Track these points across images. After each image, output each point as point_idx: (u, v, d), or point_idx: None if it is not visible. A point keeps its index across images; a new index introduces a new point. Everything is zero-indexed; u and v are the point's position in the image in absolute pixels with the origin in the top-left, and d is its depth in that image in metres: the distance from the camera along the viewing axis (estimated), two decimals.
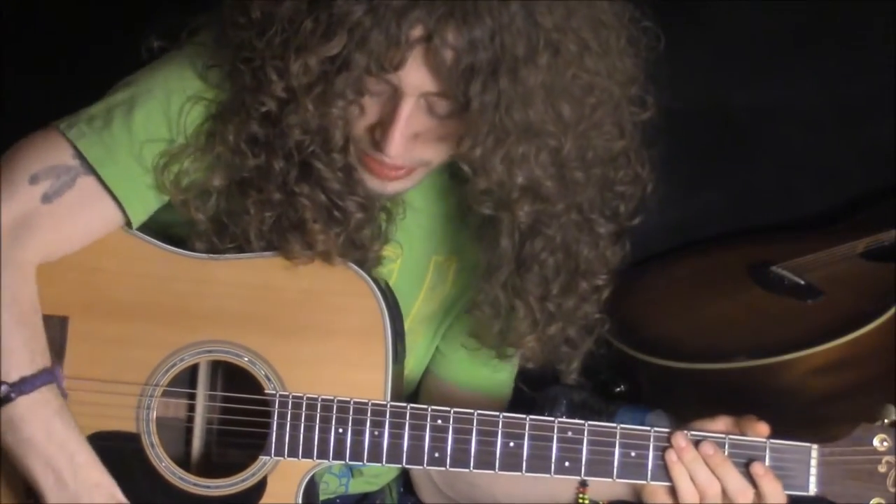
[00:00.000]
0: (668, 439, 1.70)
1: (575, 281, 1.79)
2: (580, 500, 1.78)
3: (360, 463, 1.73)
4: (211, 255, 1.74)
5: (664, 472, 1.70)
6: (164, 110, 1.70)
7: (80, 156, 1.70)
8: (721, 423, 1.73)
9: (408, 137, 1.64)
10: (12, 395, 1.64)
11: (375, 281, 1.74)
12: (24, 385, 1.65)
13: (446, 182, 1.84)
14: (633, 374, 2.61)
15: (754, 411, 2.43)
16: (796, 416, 2.46)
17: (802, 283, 2.63)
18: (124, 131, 1.70)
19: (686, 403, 2.51)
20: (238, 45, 1.66)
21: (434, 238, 1.86)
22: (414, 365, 1.94)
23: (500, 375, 1.97)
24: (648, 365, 2.57)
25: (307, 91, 1.62)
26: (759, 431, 1.71)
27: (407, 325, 1.84)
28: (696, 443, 1.70)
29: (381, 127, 1.64)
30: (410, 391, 1.98)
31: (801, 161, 2.92)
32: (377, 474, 1.99)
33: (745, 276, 2.69)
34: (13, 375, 1.65)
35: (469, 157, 1.64)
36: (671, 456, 1.70)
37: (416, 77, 1.60)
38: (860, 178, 2.93)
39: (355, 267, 1.73)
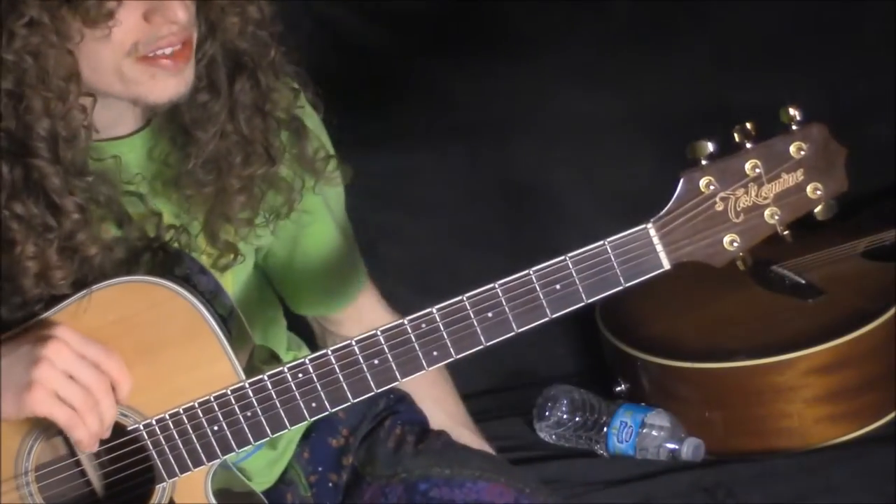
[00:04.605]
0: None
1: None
2: None
3: (251, 447, 1.72)
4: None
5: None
6: None
7: None
8: None
9: None
10: None
11: (174, 277, 1.71)
12: None
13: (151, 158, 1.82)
14: (633, 373, 2.61)
15: (754, 411, 2.46)
16: (796, 415, 2.47)
17: (803, 282, 2.62)
18: None
19: (686, 403, 2.52)
20: None
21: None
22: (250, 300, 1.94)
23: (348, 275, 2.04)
24: (648, 364, 2.56)
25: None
26: None
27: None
28: None
29: (153, 7, 1.63)
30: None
31: None
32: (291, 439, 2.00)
33: (746, 275, 2.68)
34: None
35: None
36: None
37: None
38: (860, 178, 2.91)
39: (150, 277, 1.69)
